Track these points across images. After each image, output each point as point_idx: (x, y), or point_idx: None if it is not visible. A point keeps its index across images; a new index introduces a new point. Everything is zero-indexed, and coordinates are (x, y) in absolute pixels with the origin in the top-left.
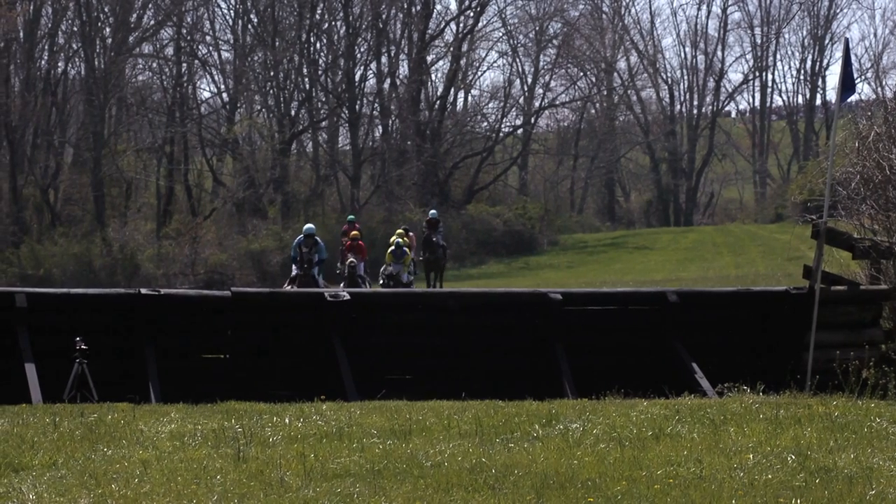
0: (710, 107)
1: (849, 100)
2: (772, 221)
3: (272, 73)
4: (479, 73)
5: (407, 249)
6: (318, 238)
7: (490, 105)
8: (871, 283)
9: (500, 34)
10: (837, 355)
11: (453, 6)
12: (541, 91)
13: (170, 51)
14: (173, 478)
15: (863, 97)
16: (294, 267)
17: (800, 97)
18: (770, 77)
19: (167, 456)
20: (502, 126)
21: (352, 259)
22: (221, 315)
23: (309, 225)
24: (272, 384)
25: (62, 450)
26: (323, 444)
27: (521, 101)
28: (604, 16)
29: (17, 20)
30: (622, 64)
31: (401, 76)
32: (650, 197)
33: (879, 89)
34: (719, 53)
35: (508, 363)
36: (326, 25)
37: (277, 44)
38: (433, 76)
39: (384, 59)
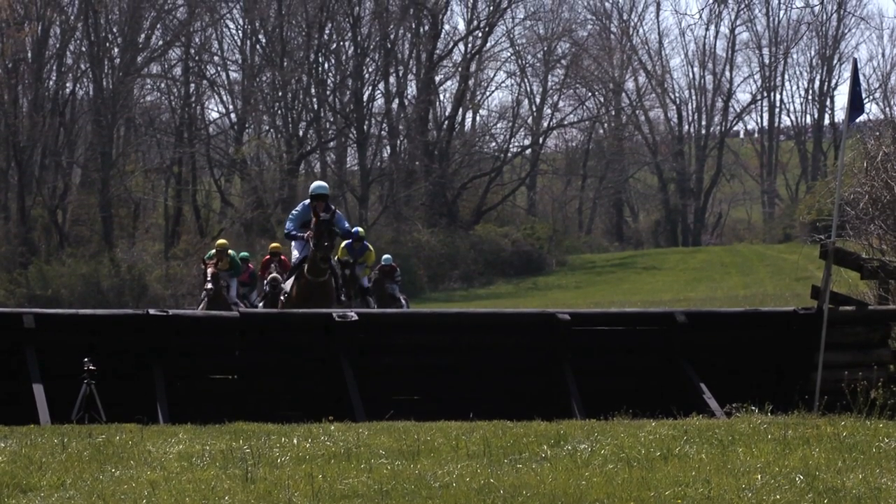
0: (719, 127)
1: (857, 120)
2: (780, 241)
3: (280, 94)
4: (488, 94)
5: (369, 245)
6: (333, 206)
7: (498, 125)
8: (880, 304)
9: (509, 54)
10: (846, 375)
11: (461, 26)
12: (549, 111)
13: (178, 71)
14: (181, 499)
15: (871, 117)
16: (294, 244)
17: (808, 117)
18: (778, 97)
19: (175, 477)
20: (510, 146)
21: (275, 275)
22: (230, 336)
23: (320, 182)
24: (280, 405)
25: (70, 470)
26: (331, 464)
27: (530, 121)
28: (612, 36)
29: (26, 41)
30: (630, 84)
31: (409, 96)
32: (658, 217)
33: (887, 109)
34: (727, 73)
35: (516, 384)
36: (335, 45)
37: (286, 64)
38: (441, 96)
39: (392, 80)
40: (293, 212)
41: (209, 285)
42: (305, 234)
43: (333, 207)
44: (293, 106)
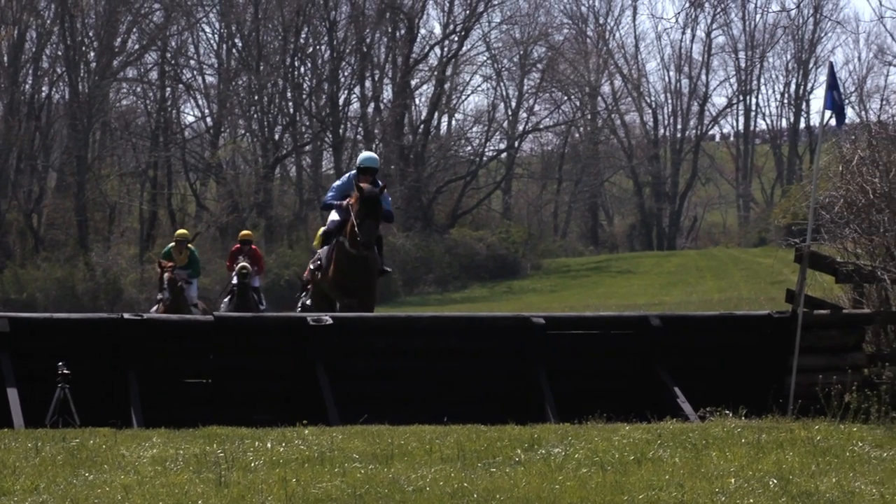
0: (694, 131)
1: (833, 123)
2: (755, 245)
3: (256, 98)
4: (464, 97)
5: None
6: (381, 182)
7: (474, 129)
8: (854, 308)
9: (485, 58)
10: (820, 379)
11: (437, 30)
12: (525, 115)
13: (154, 75)
14: (154, 503)
15: (847, 121)
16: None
17: (783, 121)
18: (754, 101)
19: (149, 481)
20: (486, 150)
21: (244, 265)
22: (204, 339)
23: (370, 154)
24: (254, 409)
25: (44, 475)
26: (305, 468)
27: (505, 124)
28: (588, 40)
29: (1, 44)
30: (606, 88)
31: (385, 100)
32: (633, 221)
33: (863, 113)
34: (703, 77)
35: (491, 387)
36: (311, 50)
37: (262, 68)
38: (417, 100)
39: (368, 84)
40: (335, 183)
41: (165, 294)
42: (345, 202)
43: (381, 183)
44: (269, 110)
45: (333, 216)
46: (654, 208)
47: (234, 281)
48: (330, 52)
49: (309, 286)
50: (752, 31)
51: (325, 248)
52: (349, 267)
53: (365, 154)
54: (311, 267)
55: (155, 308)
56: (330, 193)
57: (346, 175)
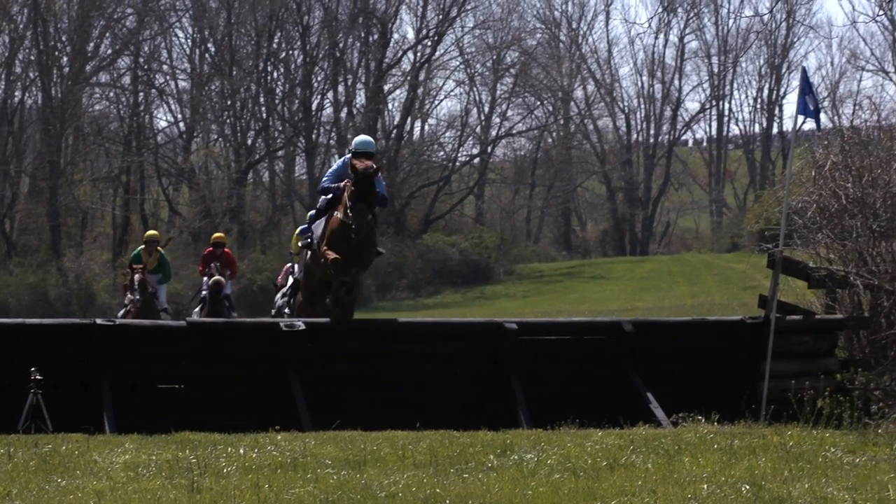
0: (667, 136)
1: (806, 128)
2: (728, 251)
3: (229, 103)
4: (437, 102)
5: None
6: (376, 164)
7: (447, 134)
8: (827, 313)
9: (458, 63)
10: (793, 385)
11: (410, 35)
12: (498, 120)
13: (127, 80)
14: None
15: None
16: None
17: (756, 126)
18: (727, 106)
19: (121, 486)
20: (459, 155)
21: (219, 279)
22: (177, 345)
23: (365, 137)
24: (227, 414)
25: (16, 480)
26: (277, 474)
27: (478, 130)
28: (561, 45)
29: None
30: (579, 93)
31: (358, 105)
32: (606, 226)
33: (836, 118)
34: (676, 82)
35: (463, 393)
36: (284, 54)
37: (234, 73)
38: (390, 105)
39: (341, 88)
40: (331, 168)
41: (137, 295)
42: (342, 183)
43: (376, 166)
44: (242, 115)
45: (327, 197)
46: (626, 213)
47: (205, 292)
48: (303, 56)
49: (284, 290)
50: (725, 36)
51: (318, 223)
52: (344, 234)
53: (360, 137)
54: (300, 245)
55: (122, 313)
56: (326, 178)
57: (342, 159)
